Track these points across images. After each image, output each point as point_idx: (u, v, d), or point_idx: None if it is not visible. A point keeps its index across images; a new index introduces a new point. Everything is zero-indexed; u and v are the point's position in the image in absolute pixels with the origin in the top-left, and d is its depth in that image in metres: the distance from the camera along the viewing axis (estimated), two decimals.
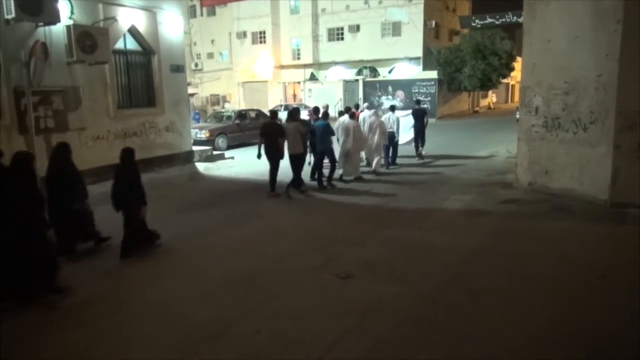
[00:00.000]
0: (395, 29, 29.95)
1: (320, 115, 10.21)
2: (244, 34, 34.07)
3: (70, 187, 5.76)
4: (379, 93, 29.63)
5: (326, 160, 9.94)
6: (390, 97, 28.69)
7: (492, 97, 39.08)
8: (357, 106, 12.91)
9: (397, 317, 4.15)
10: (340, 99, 30.09)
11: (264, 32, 33.50)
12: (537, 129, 8.46)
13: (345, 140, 10.18)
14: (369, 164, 11.32)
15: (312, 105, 16.97)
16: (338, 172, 10.23)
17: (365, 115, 11.48)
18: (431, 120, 15.77)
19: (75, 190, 5.84)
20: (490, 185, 9.39)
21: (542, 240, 6.07)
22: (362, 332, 3.93)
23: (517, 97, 33.49)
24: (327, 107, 11.77)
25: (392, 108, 12.54)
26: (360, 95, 30.20)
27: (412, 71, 29.45)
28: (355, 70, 31.41)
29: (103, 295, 4.85)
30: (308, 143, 9.52)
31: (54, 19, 8.12)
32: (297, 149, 9.08)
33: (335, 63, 31.83)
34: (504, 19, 22.97)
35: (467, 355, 3.57)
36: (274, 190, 9.10)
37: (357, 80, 30.97)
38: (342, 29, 31.80)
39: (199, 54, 36.36)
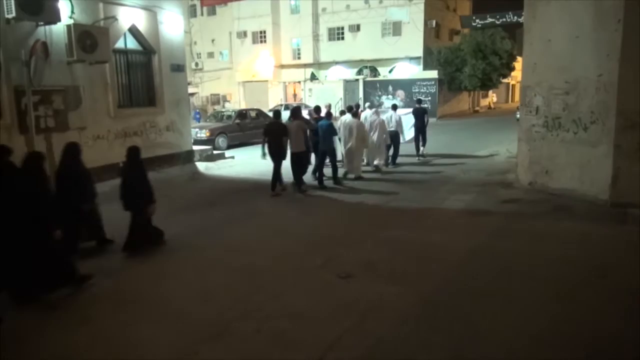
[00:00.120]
0: (396, 28, 29.96)
1: (321, 115, 10.26)
2: (245, 34, 34.07)
3: (79, 186, 5.78)
4: (379, 93, 29.62)
5: (327, 160, 9.97)
6: (390, 96, 28.68)
7: (492, 97, 39.06)
8: (357, 106, 12.94)
9: (397, 317, 4.14)
10: (341, 99, 30.08)
11: (265, 32, 33.50)
12: (537, 129, 8.45)
13: (348, 139, 10.23)
14: (368, 164, 11.35)
15: (312, 104, 16.96)
16: (341, 171, 10.33)
17: (366, 114, 11.58)
18: (431, 120, 15.79)
19: (85, 190, 5.87)
20: (491, 185, 9.39)
21: (543, 240, 6.06)
22: (362, 331, 3.93)
23: (517, 97, 33.49)
24: (329, 106, 11.83)
25: (394, 107, 12.61)
26: (361, 95, 30.19)
27: (412, 71, 29.45)
28: (355, 70, 31.42)
29: (103, 295, 4.85)
30: (310, 142, 9.55)
31: (55, 18, 8.13)
32: (300, 147, 9.11)
33: (336, 63, 31.84)
34: (504, 19, 22.97)
35: (467, 355, 3.56)
36: (274, 190, 9.11)
37: (357, 80, 30.96)
38: (342, 28, 31.81)
39: (200, 54, 36.38)
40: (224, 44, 35.68)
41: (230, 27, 34.38)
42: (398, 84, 29.22)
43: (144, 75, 10.86)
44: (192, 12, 35.13)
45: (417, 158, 12.79)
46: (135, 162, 5.99)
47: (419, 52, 29.35)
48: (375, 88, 30.05)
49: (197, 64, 34.45)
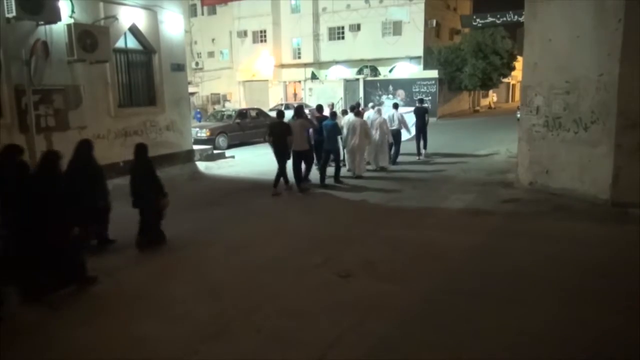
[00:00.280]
0: (396, 28, 29.94)
1: (323, 114, 10.37)
2: (245, 33, 34.05)
3: (93, 183, 5.83)
4: (380, 92, 29.58)
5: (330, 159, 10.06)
6: (390, 96, 28.66)
7: (492, 97, 39.04)
8: (358, 105, 13.00)
9: (397, 316, 4.14)
10: (341, 98, 30.07)
11: (265, 31, 33.48)
12: (538, 129, 8.45)
13: (351, 138, 10.31)
14: (369, 163, 11.41)
15: (312, 104, 16.98)
16: (343, 169, 10.47)
17: (369, 113, 11.74)
18: (432, 120, 15.78)
19: (99, 187, 5.93)
20: (491, 184, 9.39)
21: (543, 239, 6.06)
22: (362, 331, 3.93)
23: (517, 97, 33.45)
24: (332, 105, 11.88)
25: (396, 106, 12.67)
26: (361, 94, 30.17)
27: (412, 70, 29.44)
28: (355, 70, 31.41)
29: (104, 295, 4.85)
30: (312, 141, 9.59)
31: (55, 17, 8.12)
32: (303, 145, 9.17)
33: (336, 62, 31.84)
34: (504, 18, 22.89)
35: (467, 354, 3.56)
36: (276, 187, 9.16)
37: (357, 80, 30.93)
38: (342, 28, 31.79)
39: (200, 53, 36.37)
40: (224, 44, 35.67)
41: (231, 26, 34.37)
42: (398, 84, 29.18)
43: (144, 75, 10.86)
44: (192, 12, 35.12)
45: (417, 157, 12.79)
46: (143, 159, 6.10)
47: (420, 52, 29.34)
48: (375, 88, 30.01)
49: (197, 64, 34.45)
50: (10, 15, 7.52)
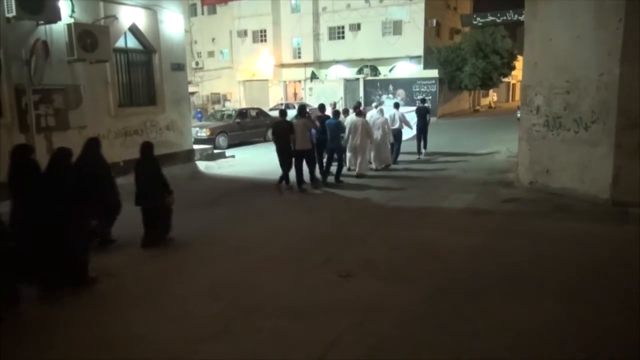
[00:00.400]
0: (396, 27, 29.91)
1: (326, 113, 10.45)
2: (245, 33, 34.03)
3: (100, 181, 5.86)
4: (380, 92, 29.58)
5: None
6: (390, 95, 28.66)
7: (493, 96, 39.02)
8: (359, 104, 13.05)
9: (398, 316, 4.14)
10: (341, 98, 30.06)
11: (265, 31, 33.46)
12: (538, 128, 8.44)
13: (352, 138, 10.39)
14: (370, 162, 11.44)
15: (312, 103, 16.98)
16: (345, 169, 10.56)
17: (372, 112, 11.81)
18: (432, 119, 15.79)
19: (107, 184, 6.00)
20: (492, 184, 9.39)
21: (543, 239, 6.05)
22: (363, 330, 3.93)
23: (518, 96, 33.43)
24: (334, 104, 11.94)
25: (397, 105, 12.71)
26: (361, 94, 30.17)
27: (412, 70, 29.42)
28: (356, 69, 31.38)
29: (104, 295, 4.85)
30: (314, 140, 9.66)
31: (55, 17, 8.12)
32: (306, 144, 9.21)
33: (336, 62, 31.81)
34: (505, 17, 22.87)
35: (467, 354, 3.56)
36: (281, 184, 9.29)
37: (357, 79, 30.93)
38: (342, 27, 31.76)
39: (200, 53, 36.36)
40: (224, 43, 35.65)
41: (231, 26, 34.35)
42: (398, 83, 29.17)
43: (145, 74, 10.86)
44: (192, 11, 35.10)
45: (417, 157, 12.83)
46: (149, 157, 6.17)
47: (420, 51, 29.31)
48: (375, 87, 30.00)
49: (197, 63, 34.43)
50: (10, 15, 7.52)
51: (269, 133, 18.28)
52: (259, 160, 13.54)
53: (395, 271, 5.19)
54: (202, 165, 12.37)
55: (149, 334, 4.01)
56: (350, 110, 11.19)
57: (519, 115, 11.49)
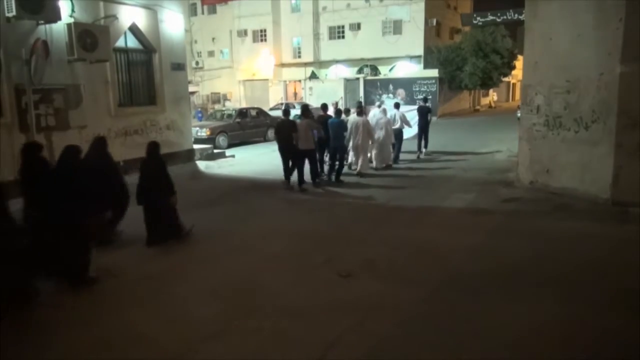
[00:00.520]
0: (396, 27, 29.88)
1: (328, 112, 10.55)
2: (245, 32, 34.00)
3: (108, 178, 5.94)
4: (380, 91, 29.59)
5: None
6: (391, 95, 28.66)
7: (493, 96, 39.01)
8: (360, 104, 13.10)
9: (398, 316, 4.14)
10: (341, 98, 30.05)
11: (265, 31, 33.44)
12: (538, 128, 8.44)
13: (354, 137, 10.47)
14: (371, 161, 11.49)
15: (312, 103, 17.00)
16: (346, 168, 10.65)
17: (375, 111, 11.88)
18: (432, 119, 15.81)
19: (117, 182, 6.10)
20: (492, 183, 9.39)
21: (543, 239, 6.05)
22: (363, 330, 3.93)
23: (518, 96, 33.44)
24: (337, 104, 12.01)
25: (397, 105, 12.75)
26: (361, 93, 30.17)
27: (413, 69, 29.40)
28: (356, 69, 31.35)
29: (105, 294, 4.85)
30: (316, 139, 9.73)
31: (55, 17, 8.12)
32: (309, 144, 9.27)
33: (336, 61, 31.78)
34: (505, 17, 22.85)
35: (467, 354, 3.56)
36: (288, 182, 9.37)
37: (357, 79, 30.91)
38: (343, 27, 31.72)
39: (200, 52, 36.33)
40: (224, 43, 35.62)
41: (231, 25, 34.32)
42: (398, 83, 29.16)
43: (145, 74, 10.86)
44: (192, 11, 35.06)
45: (417, 156, 12.88)
46: (155, 157, 6.26)
47: (420, 51, 29.29)
48: (375, 87, 29.99)
49: (197, 63, 34.39)
50: (10, 15, 7.52)
51: (269, 133, 18.39)
52: (259, 160, 13.54)
53: (395, 271, 5.19)
54: (202, 164, 12.37)
55: (149, 333, 4.01)
56: (352, 110, 11.23)
57: (519, 114, 11.49)
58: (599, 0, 7.29)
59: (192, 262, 5.70)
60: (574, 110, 7.76)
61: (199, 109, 28.51)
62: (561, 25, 7.90)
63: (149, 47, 10.77)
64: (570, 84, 7.77)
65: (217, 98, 35.20)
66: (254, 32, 33.78)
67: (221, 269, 5.45)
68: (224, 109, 22.33)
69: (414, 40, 29.27)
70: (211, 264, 5.62)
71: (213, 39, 36.00)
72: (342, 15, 31.32)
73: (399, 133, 12.07)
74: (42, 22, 8.10)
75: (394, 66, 30.13)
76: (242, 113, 18.23)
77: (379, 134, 11.16)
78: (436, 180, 10.05)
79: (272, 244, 6.21)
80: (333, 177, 10.08)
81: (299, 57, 33.59)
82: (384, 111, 11.67)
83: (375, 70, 30.84)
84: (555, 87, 8.04)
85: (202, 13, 36.03)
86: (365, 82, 30.36)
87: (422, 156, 12.93)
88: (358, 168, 10.68)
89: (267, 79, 34.12)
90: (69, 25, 8.50)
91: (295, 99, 32.58)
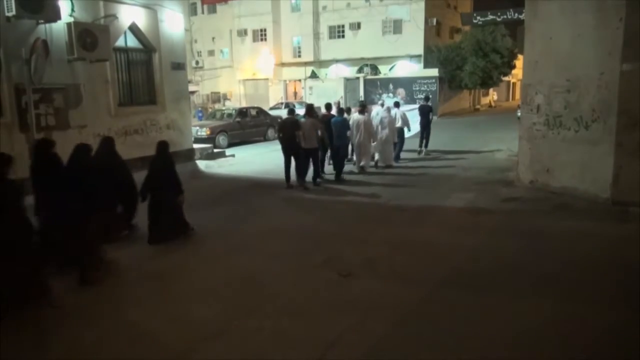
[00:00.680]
0: (397, 26, 29.88)
1: (332, 111, 10.65)
2: (245, 32, 34.00)
3: (117, 176, 6.01)
4: (380, 91, 29.60)
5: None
6: (391, 95, 28.67)
7: (493, 95, 39.01)
8: (362, 103, 13.14)
9: (398, 316, 4.14)
10: (341, 97, 30.05)
11: (265, 30, 33.44)
12: (538, 127, 8.43)
13: (355, 135, 10.57)
14: (374, 159, 11.60)
15: (312, 103, 16.97)
16: (347, 166, 10.77)
17: (377, 109, 11.94)
18: (433, 118, 15.82)
19: (126, 180, 6.18)
20: (492, 183, 9.38)
21: (544, 238, 6.05)
22: (363, 330, 3.93)
23: (518, 95, 33.43)
24: (339, 103, 12.04)
25: (397, 104, 12.80)
26: (361, 93, 30.16)
27: (413, 69, 29.40)
28: (356, 68, 31.36)
29: (105, 294, 4.84)
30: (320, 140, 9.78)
31: (55, 16, 8.12)
32: (312, 143, 9.33)
33: (336, 61, 31.78)
34: (505, 16, 22.81)
35: (467, 354, 3.56)
36: (289, 182, 9.40)
37: (358, 78, 30.91)
38: (343, 26, 31.72)
39: (200, 52, 36.34)
40: (224, 42, 35.62)
41: (231, 25, 34.31)
42: (399, 82, 29.17)
43: (145, 74, 10.85)
44: (192, 10, 35.05)
45: (417, 154, 13.02)
46: (164, 156, 6.33)
47: (420, 50, 29.28)
48: (375, 86, 30.00)
49: (197, 62, 34.40)
50: (10, 14, 7.52)
51: (269, 132, 18.40)
52: (259, 160, 13.54)
53: (395, 270, 5.19)
54: (202, 164, 12.37)
55: (149, 333, 4.01)
56: (353, 109, 11.31)
57: (519, 114, 11.49)
58: (599, 0, 7.28)
59: (192, 261, 5.71)
60: (574, 109, 7.76)
61: (200, 109, 28.51)
62: (561, 24, 7.90)
63: (149, 46, 10.77)
64: (571, 83, 7.76)
65: (217, 97, 35.20)
66: (254, 32, 33.78)
67: (221, 268, 5.45)
68: (224, 108, 22.33)
69: (414, 39, 29.26)
70: (211, 263, 5.63)
71: (213, 38, 36.00)
72: (342, 14, 31.31)
73: (400, 131, 12.14)
74: (42, 21, 8.10)
75: (394, 65, 30.13)
76: (242, 112, 18.23)
77: (383, 132, 11.24)
78: (436, 179, 10.05)
79: (272, 244, 6.21)
80: (328, 177, 10.13)
81: (299, 56, 33.58)
82: (388, 109, 11.70)
83: (375, 69, 30.84)
84: (555, 87, 8.04)
85: (202, 12, 36.03)
86: (366, 81, 30.35)
87: (422, 154, 13.01)
88: (361, 164, 10.82)
89: (267, 79, 34.13)
90: (68, 24, 8.49)
91: (295, 98, 32.58)
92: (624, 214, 6.80)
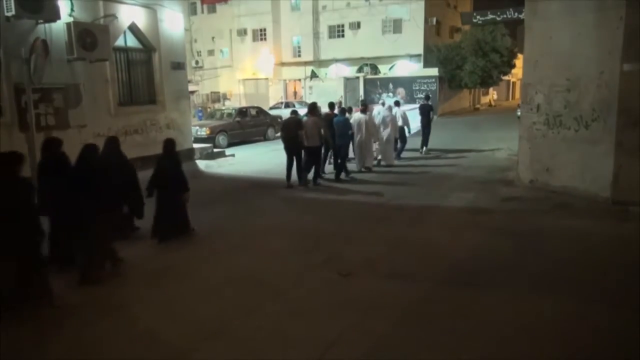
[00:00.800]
0: (396, 26, 29.87)
1: (335, 111, 10.67)
2: (245, 32, 34.00)
3: (122, 175, 6.01)
4: (380, 90, 29.60)
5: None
6: (390, 94, 28.67)
7: (493, 95, 39.01)
8: (364, 102, 13.17)
9: (398, 315, 4.14)
10: (341, 96, 30.05)
11: (265, 30, 33.44)
12: (538, 127, 8.43)
13: (357, 134, 10.61)
14: (376, 158, 11.65)
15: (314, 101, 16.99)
16: (349, 165, 10.76)
17: (379, 108, 11.96)
18: (433, 117, 15.84)
19: (131, 178, 6.19)
20: (492, 182, 9.38)
21: (544, 238, 6.05)
22: (363, 329, 3.93)
23: (518, 95, 33.45)
24: (340, 102, 12.05)
25: (397, 103, 12.84)
26: (361, 92, 30.15)
27: (412, 68, 29.40)
28: (356, 68, 31.36)
29: (105, 294, 4.84)
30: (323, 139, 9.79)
31: (54, 16, 8.13)
32: (315, 142, 9.37)
33: (336, 60, 31.77)
34: (505, 16, 22.79)
35: (467, 354, 3.56)
36: (290, 182, 9.41)
37: (357, 78, 30.91)
38: (342, 26, 31.71)
39: (200, 52, 36.32)
40: (224, 42, 35.60)
41: (231, 24, 34.30)
42: (398, 82, 29.18)
43: (144, 73, 10.86)
44: (192, 10, 35.03)
45: (419, 152, 13.09)
46: (171, 153, 6.40)
47: (420, 50, 29.28)
48: (375, 86, 30.00)
49: (197, 62, 34.39)
50: (9, 14, 7.52)
51: (269, 132, 18.40)
52: (259, 159, 13.54)
53: (395, 270, 5.19)
54: (202, 164, 12.37)
55: (149, 332, 4.01)
56: (354, 109, 11.34)
57: (519, 113, 11.49)
58: (599, 0, 7.27)
59: (192, 260, 5.70)
60: (574, 108, 7.75)
61: (200, 108, 28.50)
62: (561, 24, 7.89)
63: (148, 46, 10.77)
64: (571, 83, 7.76)
65: (217, 97, 35.18)
66: (254, 31, 33.78)
67: (221, 267, 5.45)
68: (223, 108, 22.32)
69: (414, 39, 29.25)
70: (212, 262, 5.63)
71: (213, 38, 35.97)
72: (342, 14, 31.31)
73: (402, 130, 12.19)
74: (41, 21, 8.11)
75: (394, 65, 30.13)
76: (242, 112, 18.22)
77: (385, 132, 11.27)
78: (436, 178, 10.05)
79: (272, 243, 6.21)
80: (328, 176, 10.15)
81: (299, 56, 33.58)
82: (390, 108, 11.74)
83: (375, 69, 30.84)
84: (555, 86, 8.04)
85: (202, 12, 36.00)
86: (366, 81, 30.36)
87: (423, 153, 13.07)
88: (364, 163, 10.86)
89: (267, 78, 34.12)
90: (68, 24, 8.50)
91: (295, 98, 32.58)
92: (623, 213, 6.80)
